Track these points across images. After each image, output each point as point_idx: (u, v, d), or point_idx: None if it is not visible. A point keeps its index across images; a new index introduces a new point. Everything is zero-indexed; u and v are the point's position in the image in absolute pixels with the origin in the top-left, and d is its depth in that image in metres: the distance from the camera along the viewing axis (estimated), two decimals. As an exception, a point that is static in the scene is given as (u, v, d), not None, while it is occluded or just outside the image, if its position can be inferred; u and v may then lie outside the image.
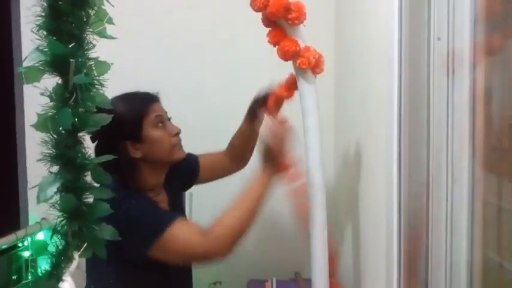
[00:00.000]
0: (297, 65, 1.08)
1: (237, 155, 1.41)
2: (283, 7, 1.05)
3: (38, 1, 0.65)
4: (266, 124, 1.14)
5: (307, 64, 1.07)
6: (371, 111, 1.21)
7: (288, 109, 1.26)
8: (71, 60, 0.64)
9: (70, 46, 0.65)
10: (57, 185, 0.66)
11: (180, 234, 1.08)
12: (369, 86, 1.23)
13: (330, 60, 1.54)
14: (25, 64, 0.67)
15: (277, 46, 1.10)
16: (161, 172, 1.22)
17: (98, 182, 0.77)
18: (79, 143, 0.68)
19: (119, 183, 1.10)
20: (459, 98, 0.83)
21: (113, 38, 0.71)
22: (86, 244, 0.69)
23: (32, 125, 0.67)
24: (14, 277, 1.68)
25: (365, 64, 1.29)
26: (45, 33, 0.65)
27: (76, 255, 0.70)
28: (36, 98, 0.66)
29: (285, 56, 1.08)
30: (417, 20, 0.90)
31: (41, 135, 0.67)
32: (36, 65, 0.65)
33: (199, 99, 1.80)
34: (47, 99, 0.66)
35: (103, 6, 0.69)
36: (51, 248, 0.69)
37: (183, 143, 1.23)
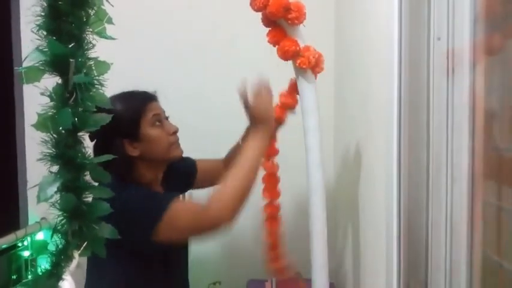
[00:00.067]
0: (297, 64, 1.08)
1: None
2: (283, 7, 1.05)
3: (38, 1, 0.65)
4: (249, 89, 1.18)
5: (307, 64, 1.07)
6: (371, 111, 1.21)
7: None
8: (71, 60, 0.64)
9: (70, 46, 0.65)
10: (57, 184, 0.66)
11: (182, 208, 1.08)
12: (368, 86, 1.23)
13: (330, 60, 1.55)
14: (25, 64, 0.67)
15: (277, 46, 1.10)
16: (159, 170, 1.24)
17: (97, 181, 0.77)
18: (79, 142, 0.68)
19: (117, 178, 1.11)
20: (459, 98, 0.83)
21: (113, 38, 0.71)
22: (85, 243, 0.69)
23: (32, 125, 0.67)
24: (14, 277, 1.69)
25: (365, 64, 1.29)
26: (45, 33, 0.65)
27: (76, 254, 0.70)
28: (36, 98, 0.66)
29: (285, 55, 1.08)
30: (417, 20, 0.90)
31: (41, 135, 0.67)
32: (36, 64, 0.65)
33: (200, 100, 1.81)
34: (47, 99, 0.66)
35: (103, 6, 0.69)
36: (51, 247, 0.69)
37: (183, 143, 1.24)
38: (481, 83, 0.80)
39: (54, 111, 0.66)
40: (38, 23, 0.65)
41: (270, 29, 1.11)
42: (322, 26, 1.74)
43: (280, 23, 1.10)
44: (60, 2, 0.64)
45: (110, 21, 0.71)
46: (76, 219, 0.68)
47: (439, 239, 0.88)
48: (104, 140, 1.12)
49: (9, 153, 1.84)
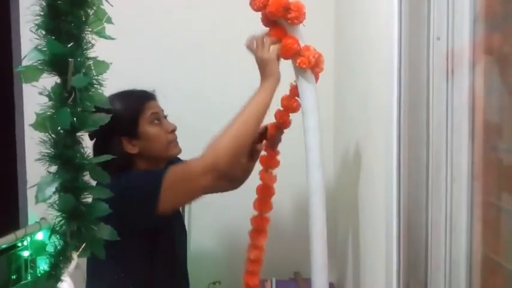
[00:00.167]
0: (297, 64, 1.08)
1: (233, 175, 1.42)
2: (283, 7, 1.05)
3: (37, 0, 0.65)
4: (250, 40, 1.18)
5: (307, 63, 1.07)
6: (371, 111, 1.21)
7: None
8: (70, 59, 0.64)
9: (69, 45, 0.65)
10: (55, 184, 0.66)
11: (178, 169, 1.12)
12: (368, 86, 1.23)
13: (330, 60, 1.54)
14: (24, 63, 0.66)
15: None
16: (157, 168, 1.23)
17: (96, 181, 0.77)
18: (78, 142, 0.68)
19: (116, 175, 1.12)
20: (458, 97, 0.83)
21: (112, 38, 0.71)
22: (84, 244, 0.69)
23: (31, 125, 0.67)
24: (14, 277, 1.68)
25: (365, 64, 1.29)
26: (44, 32, 0.65)
27: (75, 255, 0.70)
28: (35, 98, 0.66)
29: (288, 52, 1.08)
30: (417, 19, 0.90)
31: (40, 135, 0.67)
32: (35, 64, 0.65)
33: (199, 99, 1.80)
34: (46, 99, 0.66)
35: (102, 6, 0.69)
36: (50, 248, 0.69)
37: (182, 142, 1.25)
38: (480, 83, 0.80)
39: (53, 110, 0.66)
40: (37, 22, 0.65)
41: (270, 28, 1.11)
42: (322, 26, 1.74)
43: (280, 23, 1.10)
44: (59, 2, 0.64)
45: (109, 20, 0.71)
46: (75, 220, 0.68)
47: (438, 239, 0.88)
48: (103, 138, 1.13)
49: (9, 153, 1.84)
